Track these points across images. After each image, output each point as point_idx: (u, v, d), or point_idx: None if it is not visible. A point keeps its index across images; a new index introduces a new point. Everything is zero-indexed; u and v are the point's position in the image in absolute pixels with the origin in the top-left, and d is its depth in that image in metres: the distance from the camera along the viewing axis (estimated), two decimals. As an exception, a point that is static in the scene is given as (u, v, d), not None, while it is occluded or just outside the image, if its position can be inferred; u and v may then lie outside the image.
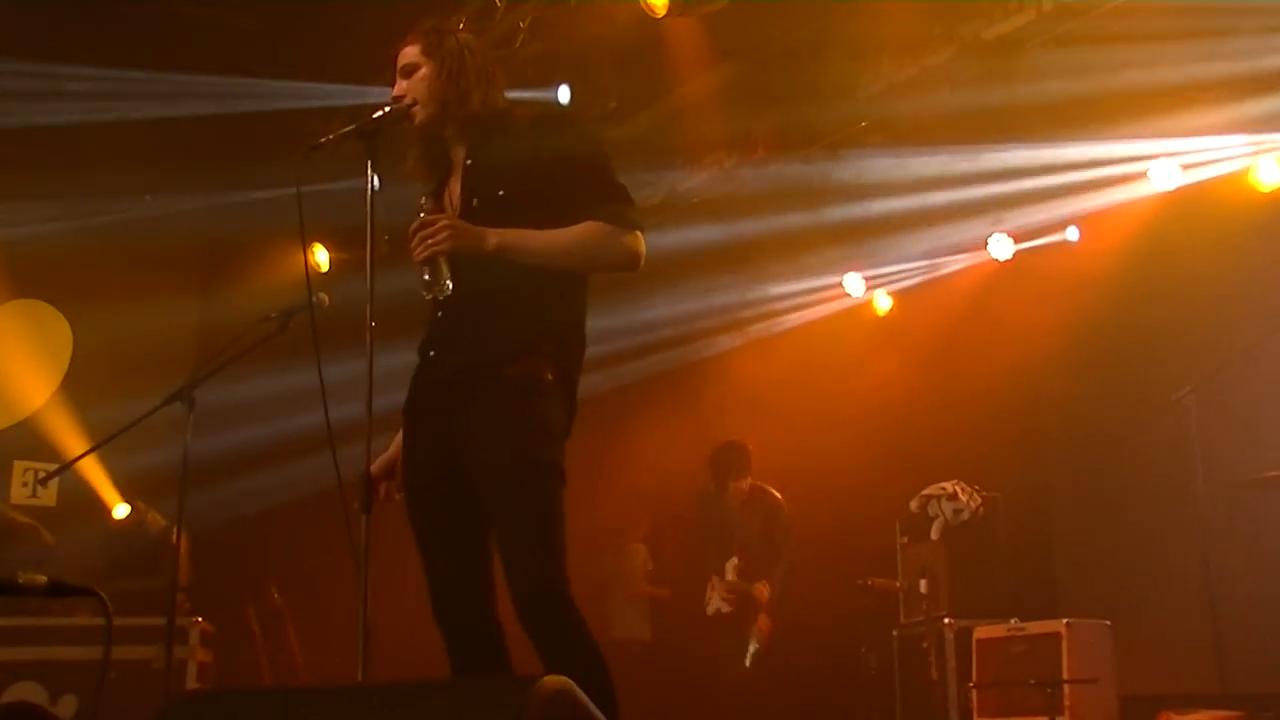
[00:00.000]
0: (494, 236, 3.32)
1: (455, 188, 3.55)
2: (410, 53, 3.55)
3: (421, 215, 3.33)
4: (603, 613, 9.09)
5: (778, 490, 8.02)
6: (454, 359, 3.42)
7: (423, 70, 3.51)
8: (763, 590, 7.68)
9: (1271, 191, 7.11)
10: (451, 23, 3.70)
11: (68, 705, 6.40)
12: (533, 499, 3.24)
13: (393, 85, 3.58)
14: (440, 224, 3.30)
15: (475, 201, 3.47)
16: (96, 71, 7.65)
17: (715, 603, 7.90)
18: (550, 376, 3.36)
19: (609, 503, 9.10)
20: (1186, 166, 7.33)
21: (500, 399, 3.30)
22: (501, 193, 3.43)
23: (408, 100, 3.50)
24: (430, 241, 3.28)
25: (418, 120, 3.51)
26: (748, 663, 7.71)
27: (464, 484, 3.32)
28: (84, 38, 7.65)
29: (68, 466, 6.35)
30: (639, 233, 3.43)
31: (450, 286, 3.31)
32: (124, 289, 8.15)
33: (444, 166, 3.61)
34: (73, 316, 8.55)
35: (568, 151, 3.44)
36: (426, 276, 3.32)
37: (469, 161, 3.54)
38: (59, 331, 8.51)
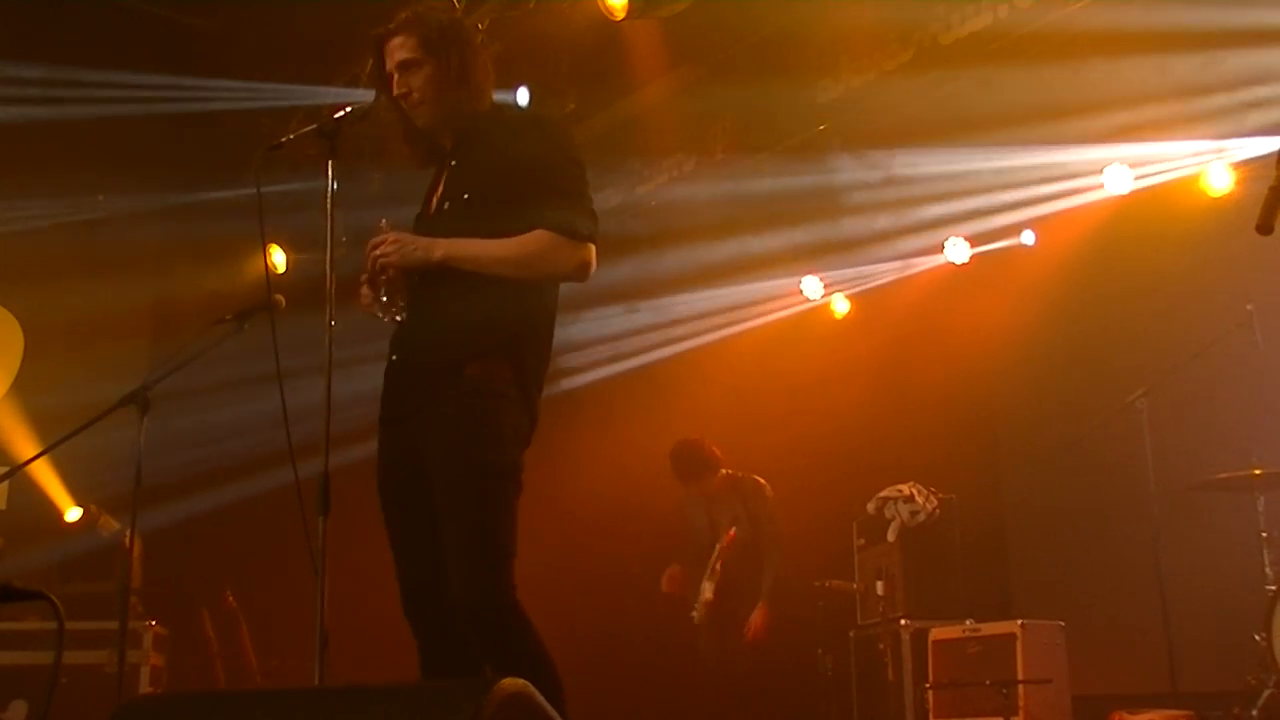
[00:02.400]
0: (440, 248, 3.32)
1: (439, 189, 3.55)
2: (406, 46, 3.45)
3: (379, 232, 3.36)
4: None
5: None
6: (414, 361, 3.41)
7: (427, 69, 3.44)
8: (759, 616, 7.54)
9: (1222, 196, 7.19)
10: (439, 6, 3.61)
11: (18, 711, 6.33)
12: (479, 502, 3.23)
13: (378, 74, 3.50)
14: (388, 239, 3.31)
15: (446, 205, 3.46)
16: (48, 70, 7.56)
17: (702, 609, 7.82)
18: (509, 378, 3.35)
19: (565, 507, 9.08)
20: (1140, 172, 7.40)
21: (457, 400, 3.29)
22: (466, 195, 3.42)
23: (416, 98, 3.44)
24: (377, 254, 3.31)
25: (421, 122, 3.47)
26: (696, 618, 7.67)
27: (428, 486, 3.31)
28: (36, 36, 7.56)
29: (18, 469, 6.28)
30: (590, 245, 3.40)
31: (404, 309, 3.33)
32: (77, 290, 8.07)
33: (439, 158, 3.60)
34: (25, 318, 8.45)
35: (533, 157, 3.41)
36: (384, 298, 3.33)
37: (453, 163, 3.53)
38: (10, 333, 8.41)
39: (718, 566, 7.64)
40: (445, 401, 3.29)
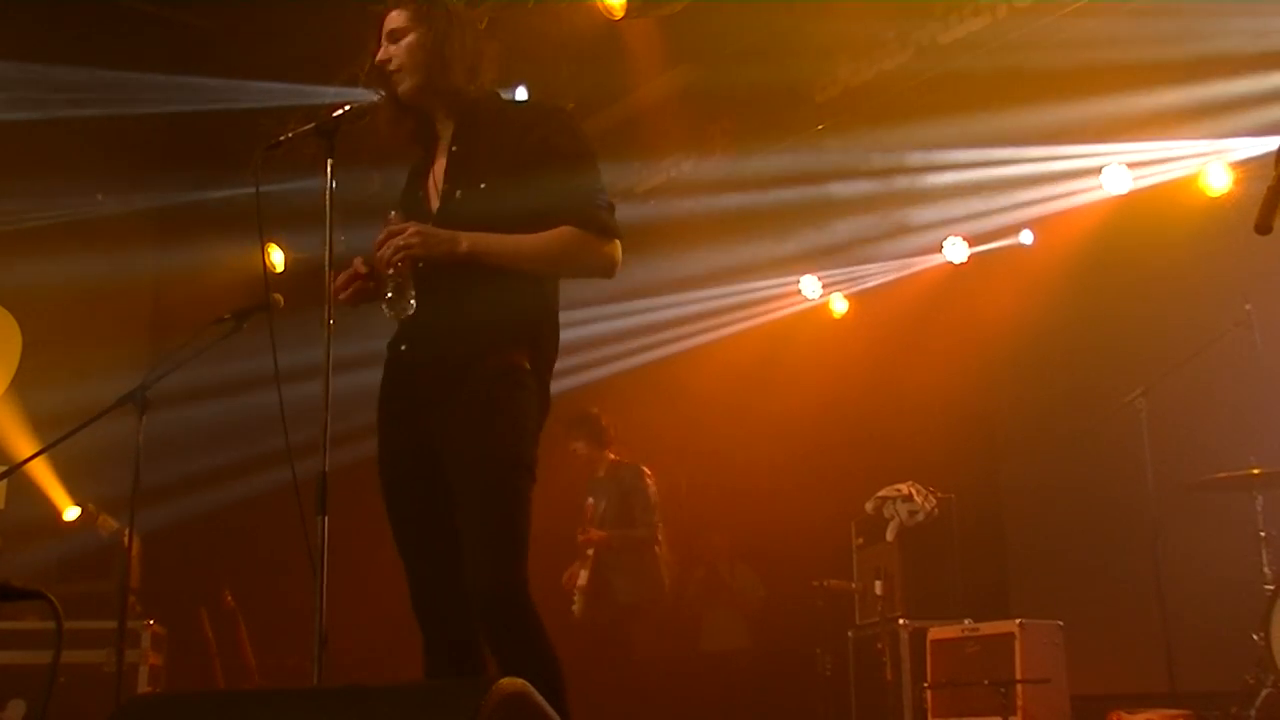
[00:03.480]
0: (465, 240, 3.27)
1: (439, 171, 3.49)
2: (397, 17, 3.46)
3: (390, 222, 3.29)
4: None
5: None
6: (429, 351, 3.35)
7: (410, 37, 3.42)
8: (595, 535, 7.50)
9: (1221, 196, 7.20)
10: None
11: (16, 710, 6.32)
12: (501, 495, 3.20)
13: (375, 48, 3.49)
14: (410, 229, 3.24)
15: (458, 193, 3.41)
16: (49, 69, 7.57)
17: (580, 595, 7.59)
18: (527, 369, 3.34)
19: (564, 506, 9.08)
20: (1138, 171, 7.40)
21: (477, 390, 3.25)
22: (484, 185, 3.38)
23: (392, 66, 3.42)
24: (399, 244, 3.23)
25: (400, 89, 3.44)
26: (577, 610, 7.52)
27: (441, 478, 3.28)
28: (37, 35, 7.56)
29: (17, 468, 6.27)
30: (617, 241, 3.39)
31: (414, 306, 3.27)
32: (76, 289, 8.07)
33: (430, 141, 3.56)
34: (23, 317, 8.44)
35: (554, 147, 3.38)
36: (390, 294, 3.27)
37: (454, 148, 3.48)
38: (9, 332, 8.40)
39: (589, 552, 7.56)
40: (466, 393, 3.26)
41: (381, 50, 3.46)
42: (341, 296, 3.38)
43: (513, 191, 3.35)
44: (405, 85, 3.44)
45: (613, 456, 7.85)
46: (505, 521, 3.19)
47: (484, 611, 3.16)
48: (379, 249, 3.27)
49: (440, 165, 3.49)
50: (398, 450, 3.40)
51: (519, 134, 3.40)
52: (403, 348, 3.42)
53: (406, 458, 3.37)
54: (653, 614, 7.78)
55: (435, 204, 3.45)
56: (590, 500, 7.71)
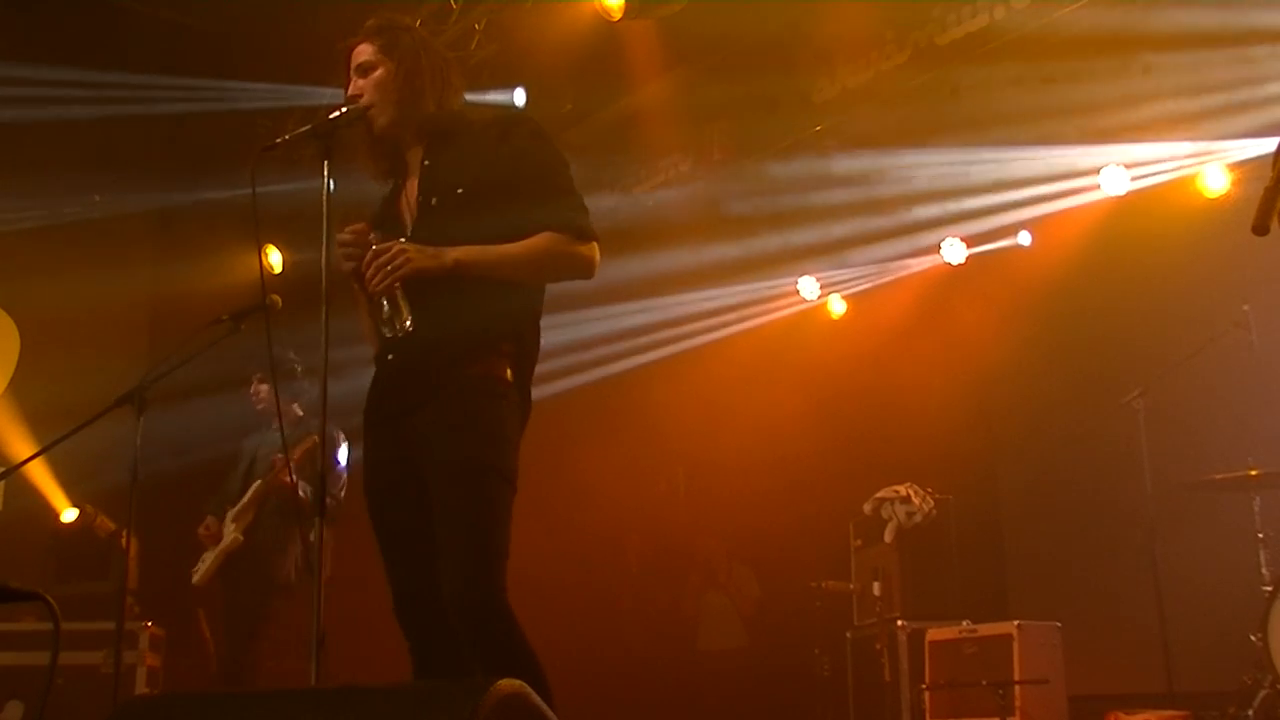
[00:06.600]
0: (452, 254, 3.28)
1: (412, 189, 3.51)
2: (365, 50, 3.50)
3: (373, 244, 3.27)
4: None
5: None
6: (414, 361, 3.37)
7: (379, 71, 3.47)
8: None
9: (1218, 197, 7.20)
10: (404, 19, 3.66)
11: (14, 711, 6.33)
12: (479, 503, 3.22)
13: (345, 82, 3.53)
14: (395, 249, 3.24)
15: (434, 200, 3.44)
16: (47, 71, 7.56)
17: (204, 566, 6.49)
18: (508, 378, 3.36)
19: (562, 507, 9.09)
20: (1136, 172, 7.41)
21: (460, 399, 3.27)
22: (460, 190, 3.40)
23: (365, 101, 3.46)
24: (389, 268, 3.23)
25: (378, 124, 3.47)
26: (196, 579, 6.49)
27: (423, 488, 3.29)
28: (36, 37, 7.56)
29: (15, 469, 6.27)
30: (595, 243, 3.43)
31: (410, 323, 3.27)
32: (73, 290, 8.06)
33: (400, 168, 3.59)
34: (21, 317, 8.44)
35: (525, 154, 3.42)
36: (386, 312, 3.27)
37: (426, 163, 3.50)
38: (7, 333, 8.40)
39: (251, 511, 6.37)
40: (447, 401, 3.28)
41: (352, 85, 3.50)
42: (346, 266, 3.38)
43: (489, 197, 3.38)
44: (381, 121, 3.47)
45: (300, 412, 6.54)
46: (483, 530, 3.20)
47: (461, 620, 3.17)
48: (367, 270, 3.27)
49: (413, 183, 3.52)
50: (381, 459, 3.42)
51: (492, 144, 3.44)
52: (389, 357, 3.43)
53: (389, 467, 3.39)
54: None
55: (410, 218, 3.47)
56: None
